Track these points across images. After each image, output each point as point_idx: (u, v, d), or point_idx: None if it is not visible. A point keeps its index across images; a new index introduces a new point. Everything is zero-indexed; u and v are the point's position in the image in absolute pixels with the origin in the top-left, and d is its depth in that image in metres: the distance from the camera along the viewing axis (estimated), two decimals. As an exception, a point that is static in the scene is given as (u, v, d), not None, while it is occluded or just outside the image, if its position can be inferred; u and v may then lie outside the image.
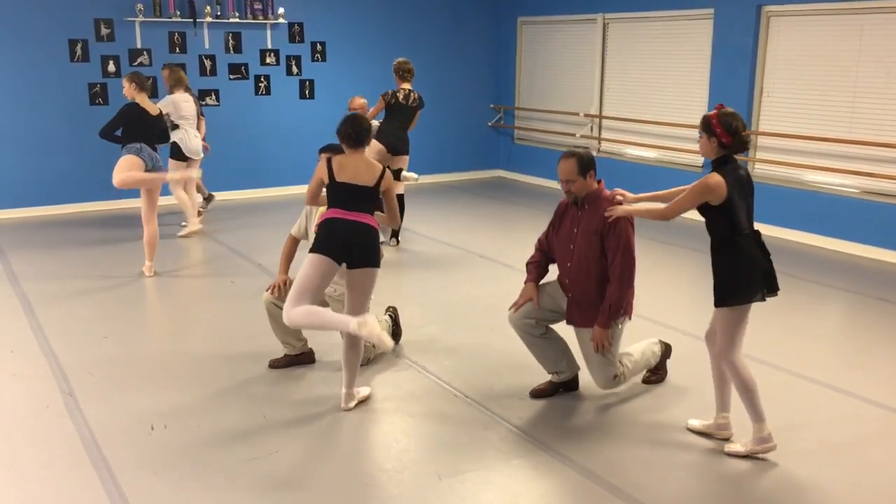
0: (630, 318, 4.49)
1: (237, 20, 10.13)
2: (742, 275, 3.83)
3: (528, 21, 11.78)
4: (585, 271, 4.36)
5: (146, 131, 6.84)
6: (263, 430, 4.22)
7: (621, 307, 4.33)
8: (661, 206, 4.05)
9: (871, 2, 7.71)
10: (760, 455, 3.92)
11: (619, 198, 4.32)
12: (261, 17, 10.25)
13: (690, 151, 9.52)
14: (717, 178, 3.76)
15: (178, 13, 9.78)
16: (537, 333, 4.60)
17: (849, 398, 4.66)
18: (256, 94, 10.44)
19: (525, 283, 4.61)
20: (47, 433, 4.20)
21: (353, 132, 4.37)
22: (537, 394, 4.67)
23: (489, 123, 12.37)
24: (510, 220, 9.58)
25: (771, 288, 3.90)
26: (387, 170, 4.49)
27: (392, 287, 6.60)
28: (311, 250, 4.30)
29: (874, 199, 7.88)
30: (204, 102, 9.89)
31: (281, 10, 10.34)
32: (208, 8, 9.93)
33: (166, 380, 4.89)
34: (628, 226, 4.30)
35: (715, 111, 3.82)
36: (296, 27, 10.58)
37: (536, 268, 4.62)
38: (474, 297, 6.49)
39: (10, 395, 4.67)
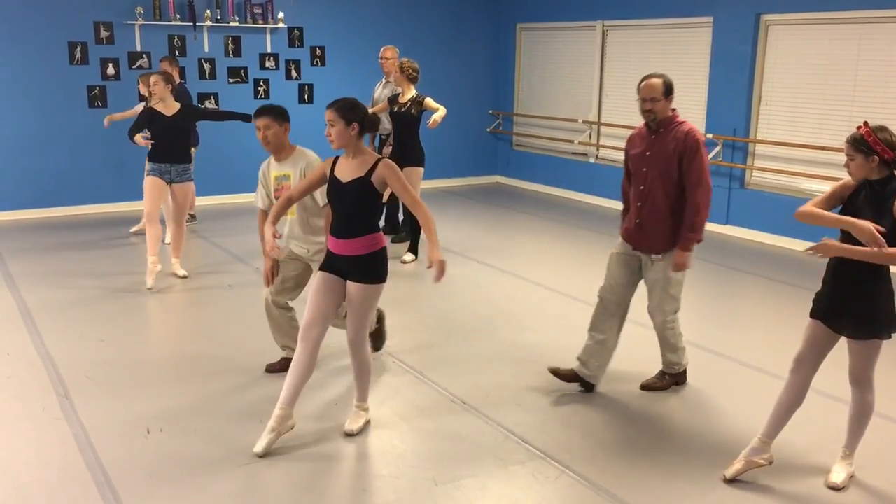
0: (700, 242, 4.57)
1: (237, 24, 10.14)
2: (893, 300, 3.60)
3: (527, 27, 11.80)
4: (661, 192, 4.53)
5: None
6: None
7: (702, 228, 4.49)
8: None
9: (869, 11, 7.73)
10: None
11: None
12: (260, 22, 10.27)
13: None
14: None
15: (178, 16, 9.79)
16: (615, 311, 4.69)
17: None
18: (256, 97, 10.44)
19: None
20: (43, 436, 4.18)
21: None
22: (556, 372, 4.77)
23: (488, 129, 12.38)
24: (508, 226, 9.58)
25: None
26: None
27: (389, 293, 6.58)
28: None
29: (872, 207, 7.88)
30: (203, 105, 9.91)
31: (281, 15, 10.35)
32: (208, 12, 9.94)
33: (162, 383, 4.88)
34: (704, 151, 4.48)
35: (865, 128, 3.53)
36: (295, 32, 10.59)
37: (623, 213, 4.85)
38: (472, 302, 6.48)
39: (5, 397, 4.65)
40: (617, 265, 4.72)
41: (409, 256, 7.74)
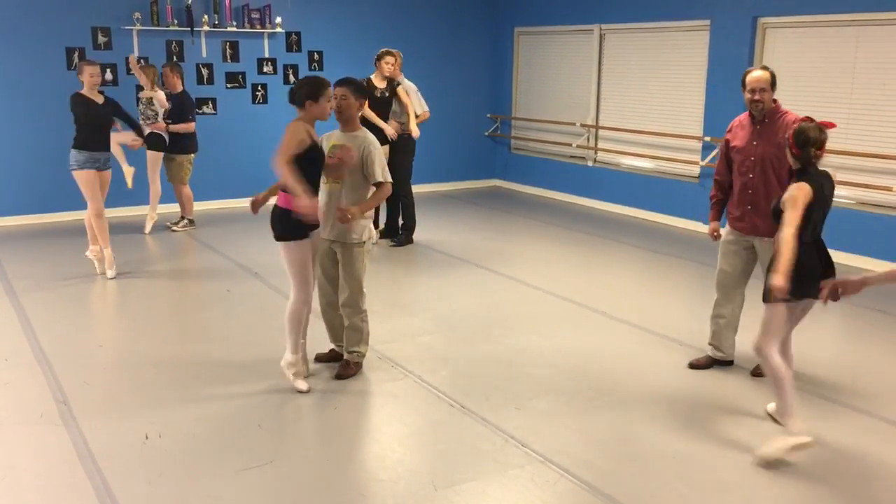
0: None
1: (235, 29, 10.14)
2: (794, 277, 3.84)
3: (524, 31, 11.82)
4: (773, 178, 4.73)
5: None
6: (258, 440, 4.21)
7: None
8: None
9: (866, 13, 7.75)
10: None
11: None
12: (258, 27, 10.27)
13: (686, 162, 9.54)
14: (800, 183, 3.92)
15: (176, 22, 9.79)
16: (734, 295, 5.03)
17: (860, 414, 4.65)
18: (254, 102, 10.46)
19: (710, 220, 5.15)
20: (41, 442, 4.17)
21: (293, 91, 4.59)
22: (696, 364, 5.14)
23: (486, 133, 12.39)
24: (506, 230, 9.57)
25: (805, 293, 3.96)
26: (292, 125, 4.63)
27: (389, 296, 6.59)
28: (302, 237, 4.52)
29: (870, 210, 7.90)
30: (201, 111, 9.91)
31: (278, 20, 10.36)
32: (206, 17, 9.94)
33: (161, 389, 4.88)
34: None
35: (803, 121, 3.82)
36: (293, 36, 10.60)
37: (717, 204, 5.12)
38: (470, 306, 6.47)
39: (3, 403, 4.65)
40: (731, 254, 4.99)
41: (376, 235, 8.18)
